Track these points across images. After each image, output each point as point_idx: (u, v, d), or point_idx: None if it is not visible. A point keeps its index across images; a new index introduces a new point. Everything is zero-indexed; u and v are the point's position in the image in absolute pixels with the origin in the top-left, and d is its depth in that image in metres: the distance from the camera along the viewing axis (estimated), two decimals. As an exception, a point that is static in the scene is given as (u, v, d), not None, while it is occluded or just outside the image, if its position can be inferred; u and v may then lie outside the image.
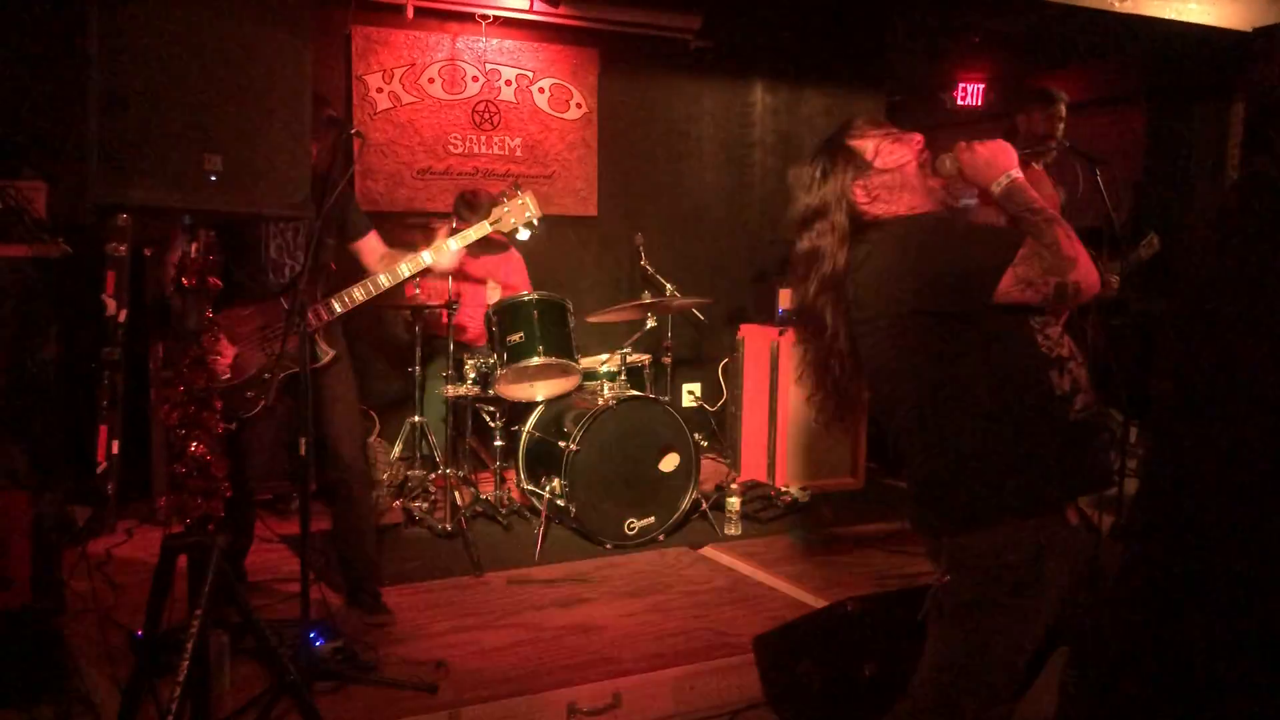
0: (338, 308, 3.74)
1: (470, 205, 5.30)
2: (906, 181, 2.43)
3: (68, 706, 3.25)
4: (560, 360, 4.84)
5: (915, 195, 2.43)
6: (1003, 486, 2.28)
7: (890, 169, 2.42)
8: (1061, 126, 4.75)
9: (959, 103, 8.45)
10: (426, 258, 3.88)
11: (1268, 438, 1.61)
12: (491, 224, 4.08)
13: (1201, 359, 1.72)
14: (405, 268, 3.86)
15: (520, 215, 4.14)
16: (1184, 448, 1.73)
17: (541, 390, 5.07)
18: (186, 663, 2.37)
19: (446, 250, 3.93)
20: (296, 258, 3.76)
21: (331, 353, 3.77)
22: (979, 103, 8.44)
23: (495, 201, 4.22)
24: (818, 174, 2.46)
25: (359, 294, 3.77)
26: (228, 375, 3.58)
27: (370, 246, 3.96)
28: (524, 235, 4.54)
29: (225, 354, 3.58)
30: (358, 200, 4.28)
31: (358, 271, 3.93)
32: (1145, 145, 8.14)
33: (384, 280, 3.80)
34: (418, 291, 5.01)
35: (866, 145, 2.44)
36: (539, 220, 4.21)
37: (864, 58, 7.64)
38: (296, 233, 3.76)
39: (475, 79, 6.29)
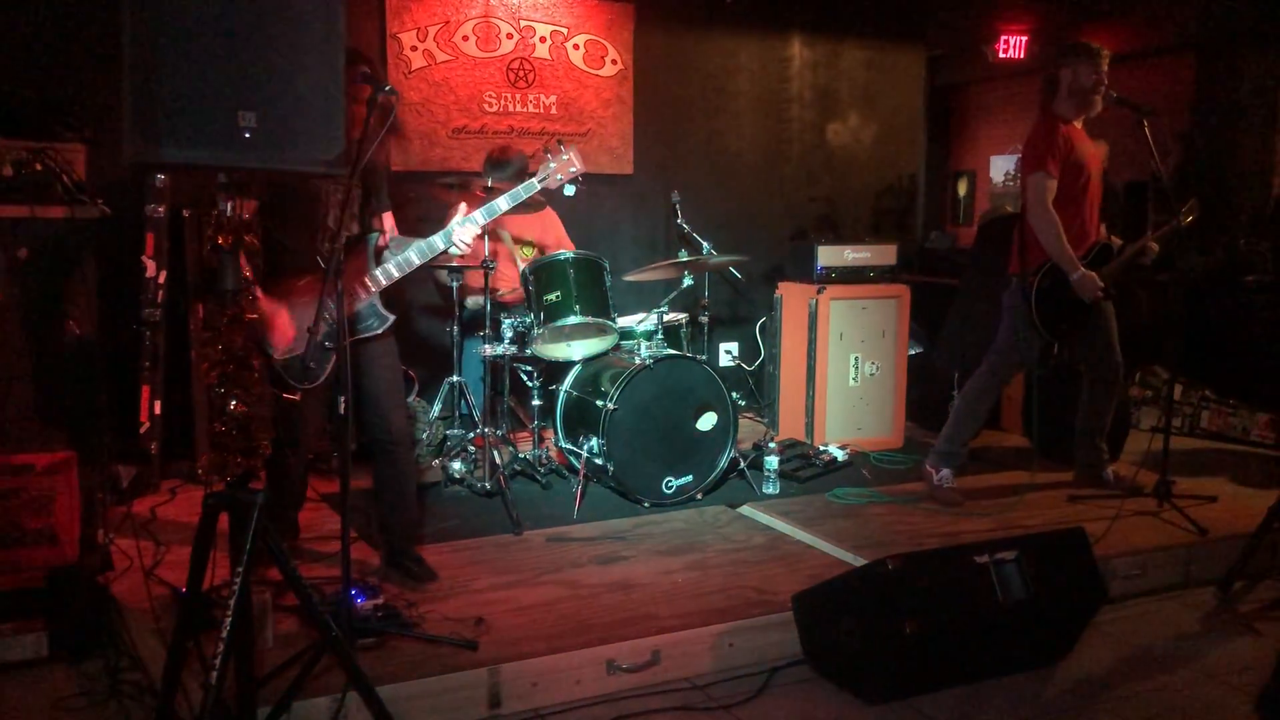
0: (383, 279, 3.63)
1: (498, 165, 5.25)
2: None
3: (115, 661, 3.32)
4: (597, 319, 4.82)
5: None
6: None
7: None
8: (1105, 80, 4.70)
9: (1001, 55, 8.29)
10: (439, 242, 3.66)
11: None
12: (536, 181, 3.81)
13: None
14: (415, 256, 3.66)
15: (565, 172, 3.91)
16: None
17: (579, 349, 5.07)
18: (229, 618, 2.39)
19: (466, 228, 3.70)
20: (353, 228, 3.66)
21: (392, 318, 3.68)
22: (1021, 55, 8.28)
23: (525, 162, 4.02)
24: None
25: (416, 260, 3.65)
26: (287, 347, 3.52)
27: (386, 226, 3.83)
28: (569, 191, 4.30)
29: (279, 329, 3.50)
30: (390, 165, 4.12)
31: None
32: (1192, 96, 7.96)
33: (416, 258, 3.67)
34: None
35: None
36: (583, 176, 3.97)
37: (904, 9, 7.51)
38: (355, 202, 3.65)
39: (509, 36, 6.25)
